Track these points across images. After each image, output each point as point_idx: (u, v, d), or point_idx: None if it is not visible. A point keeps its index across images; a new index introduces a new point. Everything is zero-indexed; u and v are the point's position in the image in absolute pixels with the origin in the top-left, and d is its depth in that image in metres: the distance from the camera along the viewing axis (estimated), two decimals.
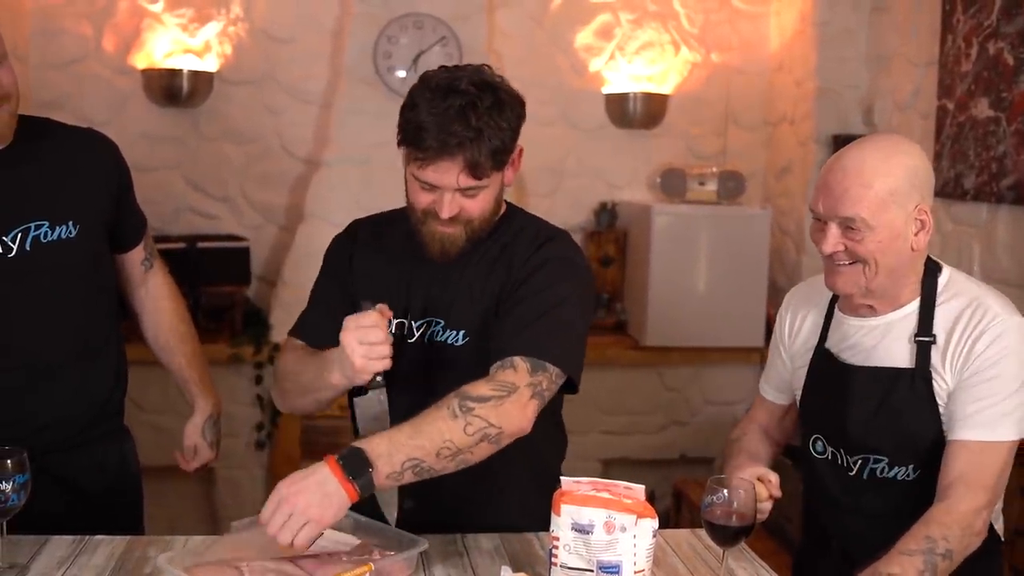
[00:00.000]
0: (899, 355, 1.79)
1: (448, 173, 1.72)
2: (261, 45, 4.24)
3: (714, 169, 4.31)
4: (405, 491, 1.77)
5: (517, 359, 1.68)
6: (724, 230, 4.15)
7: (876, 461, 1.80)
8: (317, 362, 1.79)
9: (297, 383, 1.86)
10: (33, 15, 4.09)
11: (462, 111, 1.70)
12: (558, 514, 1.60)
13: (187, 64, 4.13)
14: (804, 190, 4.22)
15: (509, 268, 1.83)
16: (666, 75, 4.51)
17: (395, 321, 1.85)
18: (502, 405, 1.63)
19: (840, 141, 4.03)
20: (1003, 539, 1.87)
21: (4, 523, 1.64)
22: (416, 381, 1.82)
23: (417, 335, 1.86)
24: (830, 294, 1.89)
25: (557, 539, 1.61)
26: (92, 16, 4.12)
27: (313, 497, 1.49)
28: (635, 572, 1.58)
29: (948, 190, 3.46)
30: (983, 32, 3.30)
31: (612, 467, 4.31)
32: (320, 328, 1.88)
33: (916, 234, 1.74)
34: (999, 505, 1.82)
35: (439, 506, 1.81)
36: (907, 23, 3.86)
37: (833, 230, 1.74)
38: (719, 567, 1.71)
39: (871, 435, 1.80)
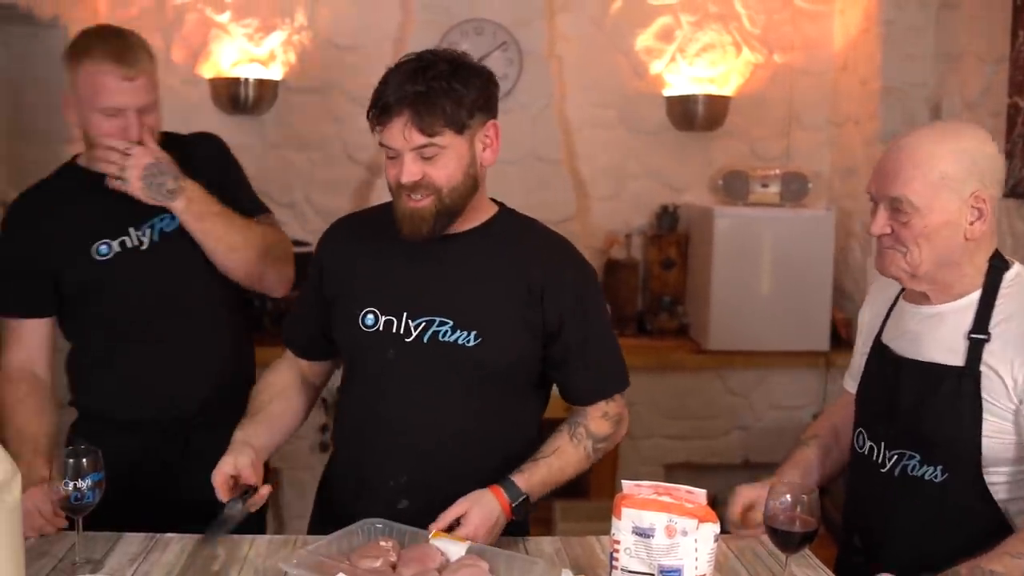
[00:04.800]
0: (949, 350, 1.73)
1: (396, 129, 1.74)
2: (325, 53, 4.30)
3: (777, 171, 4.26)
4: (400, 491, 1.85)
5: (616, 395, 1.99)
6: (787, 232, 4.10)
7: (910, 458, 1.75)
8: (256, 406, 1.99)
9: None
10: None
11: (414, 72, 1.74)
12: (619, 518, 1.60)
13: (252, 73, 4.21)
14: None
15: (528, 277, 1.85)
16: (728, 77, 4.48)
17: (383, 318, 1.86)
18: (616, 432, 2.00)
19: None
20: None
21: (80, 520, 1.70)
22: (421, 379, 1.85)
23: (415, 334, 1.85)
24: (899, 286, 1.85)
25: (618, 543, 1.61)
26: (163, 28, 4.21)
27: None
28: None
29: (1020, 190, 3.38)
30: None
31: (675, 472, 4.27)
32: (298, 339, 2.08)
33: (972, 223, 1.69)
34: None
35: (434, 507, 1.80)
36: (977, 20, 3.78)
37: (882, 211, 1.73)
38: (782, 573, 1.70)
39: (910, 430, 1.75)
